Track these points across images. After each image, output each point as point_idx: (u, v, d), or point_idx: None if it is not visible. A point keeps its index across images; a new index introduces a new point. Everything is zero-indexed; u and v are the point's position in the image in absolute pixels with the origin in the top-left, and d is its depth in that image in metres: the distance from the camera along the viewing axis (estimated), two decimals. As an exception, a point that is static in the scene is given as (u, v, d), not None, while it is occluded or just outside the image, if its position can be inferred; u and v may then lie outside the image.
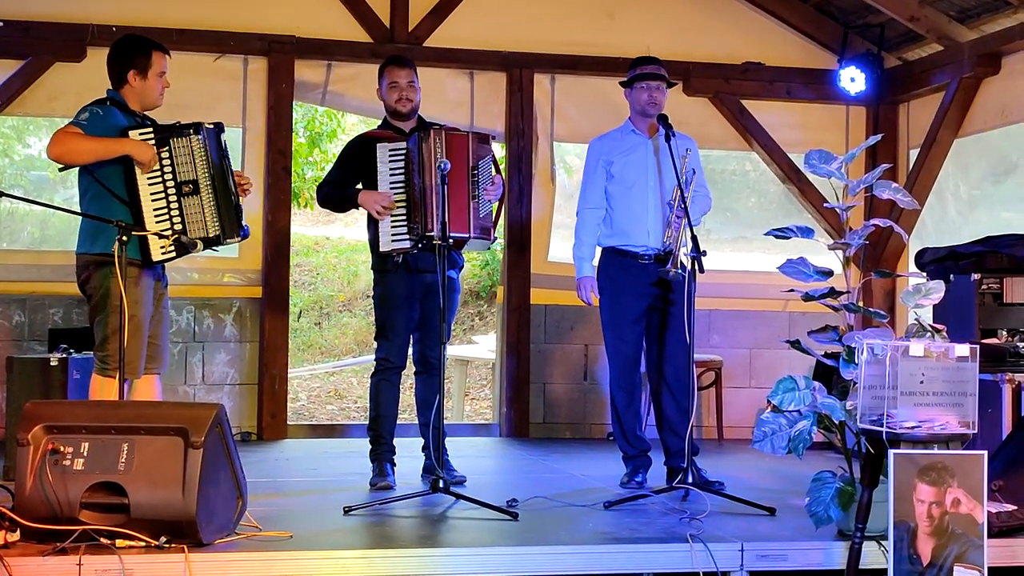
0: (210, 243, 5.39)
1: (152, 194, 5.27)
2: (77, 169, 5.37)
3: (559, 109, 8.72)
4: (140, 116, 5.43)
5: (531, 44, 8.59)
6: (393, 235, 5.85)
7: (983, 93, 8.10)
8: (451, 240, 5.64)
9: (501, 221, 6.79)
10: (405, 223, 5.82)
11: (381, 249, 5.89)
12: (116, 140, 5.24)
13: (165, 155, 5.29)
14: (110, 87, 5.45)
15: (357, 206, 6.00)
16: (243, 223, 5.51)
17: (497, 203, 6.05)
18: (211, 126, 5.44)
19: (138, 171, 5.25)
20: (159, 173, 5.28)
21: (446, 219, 5.45)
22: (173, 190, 5.30)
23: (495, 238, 6.19)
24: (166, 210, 5.28)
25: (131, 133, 5.27)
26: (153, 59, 5.43)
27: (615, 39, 8.63)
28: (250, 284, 8.24)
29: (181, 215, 5.30)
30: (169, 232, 5.26)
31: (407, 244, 5.82)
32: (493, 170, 5.98)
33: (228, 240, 5.44)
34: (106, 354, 5.27)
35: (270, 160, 8.22)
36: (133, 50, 5.46)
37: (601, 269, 6.16)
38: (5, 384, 6.48)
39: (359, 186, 6.06)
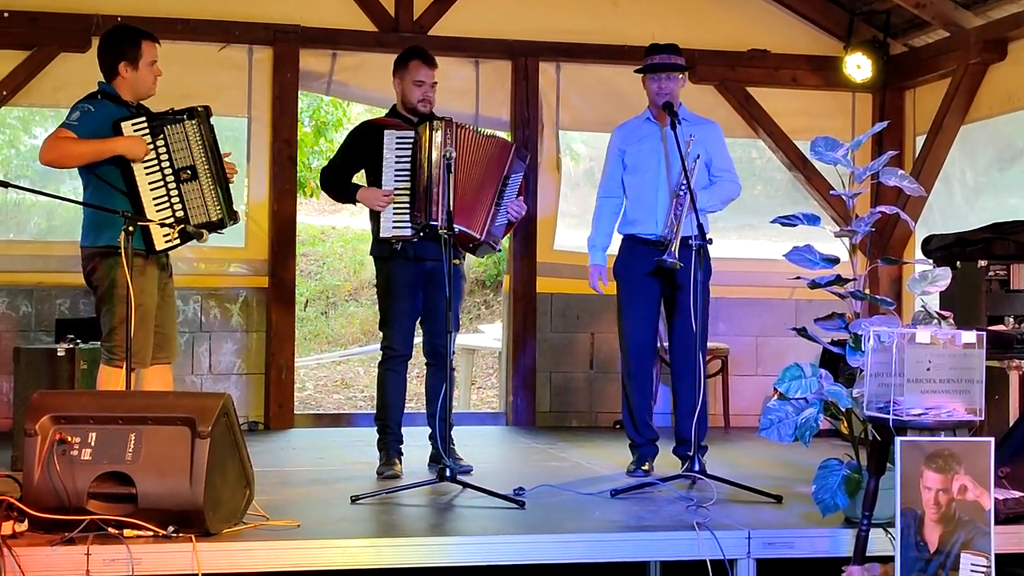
0: (213, 227, 5.40)
1: (151, 183, 5.28)
2: None
3: (564, 97, 8.71)
4: (135, 107, 5.43)
5: (536, 32, 8.58)
6: (395, 222, 5.86)
7: (989, 79, 8.08)
8: (456, 231, 5.62)
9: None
10: (408, 211, 5.83)
11: (381, 235, 5.91)
12: (106, 141, 5.23)
13: (161, 144, 5.30)
14: (101, 79, 5.45)
15: (355, 202, 6.02)
16: (235, 208, 5.54)
17: (516, 218, 6.07)
18: (201, 110, 5.43)
19: (135, 163, 5.27)
20: (156, 162, 5.30)
21: (451, 208, 5.46)
22: (172, 177, 5.31)
23: (499, 249, 6.22)
24: (166, 198, 5.30)
25: (123, 124, 5.26)
26: (143, 49, 5.41)
27: (619, 27, 8.61)
28: (256, 274, 8.25)
29: (182, 201, 5.32)
30: (172, 220, 5.27)
31: (408, 232, 5.83)
32: (520, 186, 6.02)
33: (231, 222, 5.45)
34: (113, 344, 5.28)
35: (275, 150, 8.22)
36: (122, 41, 5.44)
37: (617, 257, 6.18)
38: (12, 375, 6.49)
39: (362, 172, 6.08)
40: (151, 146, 5.28)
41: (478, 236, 5.86)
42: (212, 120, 5.50)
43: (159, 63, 5.50)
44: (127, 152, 5.23)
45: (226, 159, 5.53)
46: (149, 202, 5.26)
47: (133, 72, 5.39)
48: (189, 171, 5.33)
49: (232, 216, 5.49)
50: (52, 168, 5.49)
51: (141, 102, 5.48)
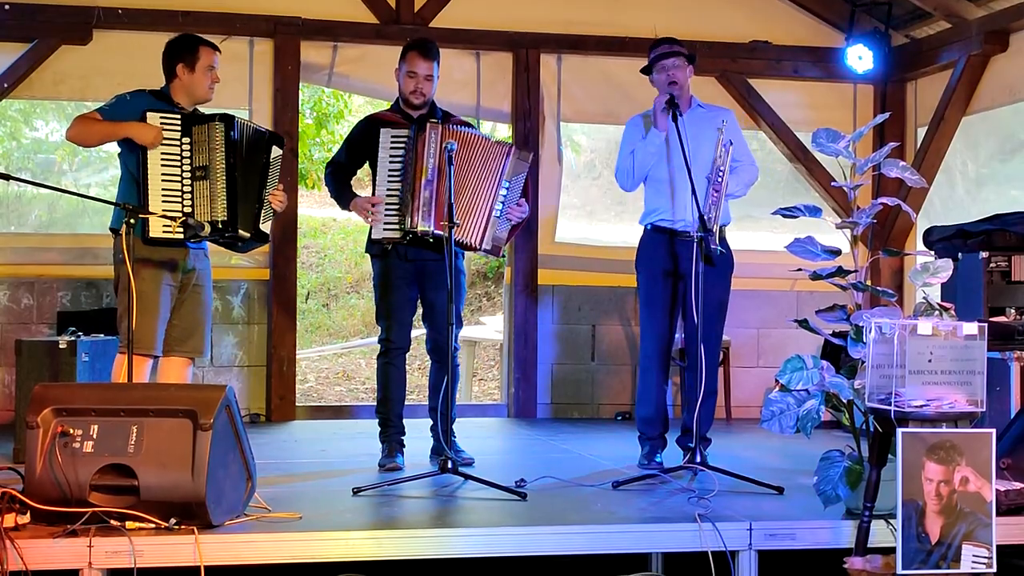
0: (217, 231, 5.40)
1: (166, 176, 5.35)
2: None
3: (565, 89, 8.70)
4: (189, 110, 5.53)
5: (537, 24, 8.57)
6: (385, 224, 5.83)
7: (991, 71, 8.07)
8: (451, 235, 5.58)
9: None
10: (396, 212, 5.81)
11: (373, 236, 5.91)
12: (119, 123, 5.38)
13: (187, 142, 5.41)
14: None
15: (348, 209, 6.04)
16: (262, 229, 5.57)
17: (519, 223, 6.04)
18: (249, 124, 5.59)
19: (151, 154, 5.34)
20: (178, 157, 5.40)
21: (451, 203, 5.43)
22: (188, 174, 5.40)
23: (503, 255, 6.18)
24: (179, 193, 5.37)
25: (151, 114, 5.39)
26: (200, 53, 5.57)
27: (621, 18, 8.60)
28: (258, 266, 8.25)
29: (192, 198, 5.38)
30: (179, 214, 5.31)
31: (396, 235, 5.82)
32: (522, 191, 5.94)
33: (240, 230, 5.46)
34: (122, 332, 5.35)
35: (277, 142, 8.20)
36: (181, 46, 5.62)
37: (639, 248, 6.16)
38: (14, 367, 6.50)
39: (366, 165, 6.08)
40: (177, 143, 5.38)
41: (477, 247, 5.84)
42: (278, 150, 5.66)
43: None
44: (136, 136, 5.34)
45: (278, 189, 5.63)
46: (156, 191, 5.33)
47: (189, 74, 5.55)
48: (203, 171, 5.41)
49: (250, 226, 5.50)
50: (76, 146, 5.57)
51: (198, 107, 5.59)
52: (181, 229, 5.28)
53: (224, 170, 5.40)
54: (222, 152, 5.41)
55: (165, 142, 5.36)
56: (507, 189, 5.87)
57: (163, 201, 5.33)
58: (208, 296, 5.68)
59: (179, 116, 5.45)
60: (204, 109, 5.64)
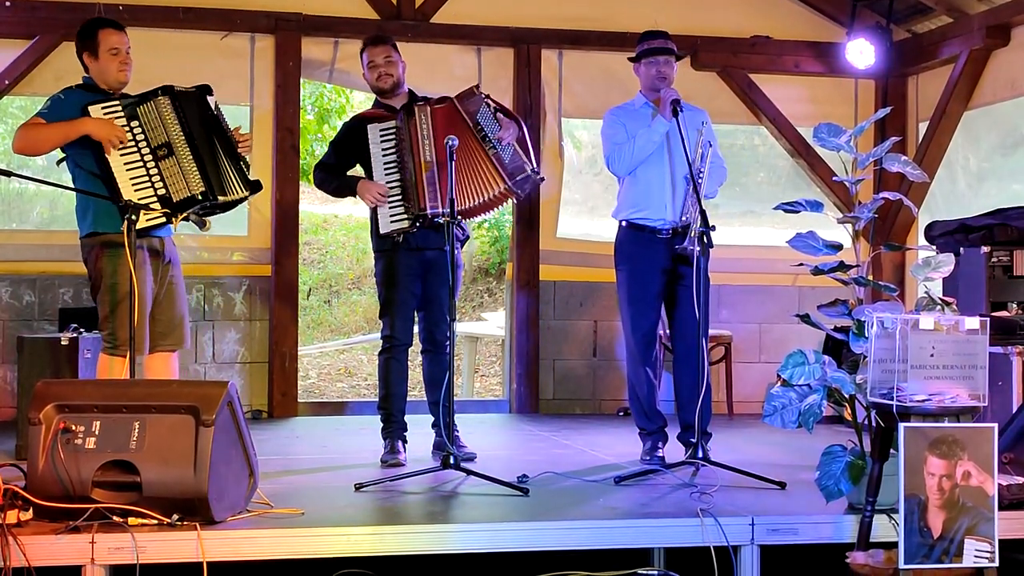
0: (198, 203, 5.30)
1: (128, 164, 5.23)
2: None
3: (566, 85, 8.70)
4: (117, 96, 5.39)
5: (538, 19, 8.57)
6: (392, 216, 5.84)
7: (993, 65, 8.07)
8: (458, 218, 5.60)
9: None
10: (401, 203, 5.81)
11: (381, 231, 5.89)
12: (72, 123, 5.22)
13: (136, 124, 5.27)
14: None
15: (354, 194, 6.00)
16: (250, 177, 5.47)
17: (519, 137, 5.97)
18: (187, 89, 5.39)
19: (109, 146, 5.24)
20: (134, 143, 5.26)
21: (452, 195, 5.43)
22: (150, 156, 5.27)
23: (537, 172, 6.05)
24: (146, 178, 5.25)
25: (92, 107, 5.24)
26: (99, 37, 5.40)
27: (622, 14, 8.59)
28: (259, 262, 8.25)
29: (162, 179, 5.27)
30: (153, 199, 5.22)
31: (405, 224, 5.82)
32: (494, 115, 5.91)
33: (221, 196, 5.35)
34: (108, 332, 5.33)
35: (278, 138, 8.21)
36: (82, 34, 5.48)
37: (620, 244, 6.14)
38: (16, 364, 6.50)
39: (357, 167, 6.06)
40: (126, 128, 5.25)
41: (507, 185, 5.82)
42: (213, 99, 5.46)
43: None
44: (94, 132, 5.20)
45: (238, 131, 5.47)
46: (126, 183, 5.21)
47: (95, 61, 5.41)
48: (165, 148, 5.28)
49: (231, 189, 5.39)
50: (26, 156, 5.50)
51: (124, 92, 5.45)
52: (165, 210, 5.22)
53: (186, 141, 5.29)
54: (177, 124, 5.29)
55: None
56: (483, 130, 5.84)
57: (135, 190, 5.20)
58: (182, 285, 5.61)
59: (118, 101, 5.30)
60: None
